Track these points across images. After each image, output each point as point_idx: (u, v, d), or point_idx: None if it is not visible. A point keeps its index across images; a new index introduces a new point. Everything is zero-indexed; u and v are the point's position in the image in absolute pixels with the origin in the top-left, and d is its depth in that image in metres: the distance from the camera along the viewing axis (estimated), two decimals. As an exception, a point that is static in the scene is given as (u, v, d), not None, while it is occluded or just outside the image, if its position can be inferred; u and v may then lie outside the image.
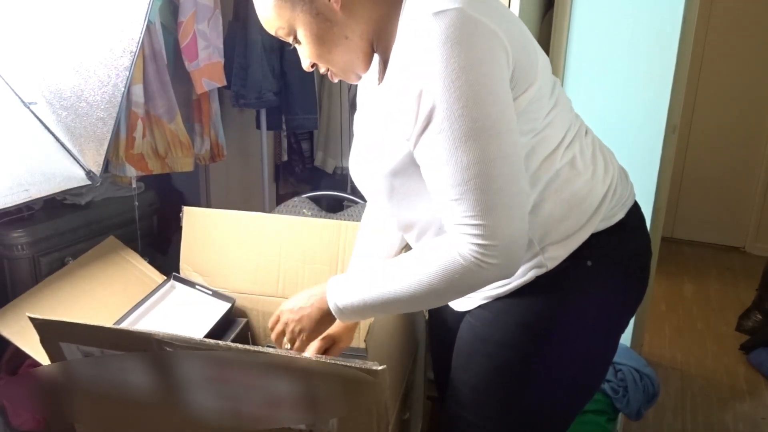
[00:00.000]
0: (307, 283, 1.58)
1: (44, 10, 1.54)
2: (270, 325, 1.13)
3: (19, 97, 1.55)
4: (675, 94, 1.91)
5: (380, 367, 0.90)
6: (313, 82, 2.52)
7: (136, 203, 2.12)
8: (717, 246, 3.91)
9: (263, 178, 2.64)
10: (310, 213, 2.01)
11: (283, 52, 2.40)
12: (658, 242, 2.23)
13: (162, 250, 2.31)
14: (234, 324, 1.61)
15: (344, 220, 1.74)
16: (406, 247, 1.24)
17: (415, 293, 0.93)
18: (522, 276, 1.01)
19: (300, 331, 1.08)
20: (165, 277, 1.67)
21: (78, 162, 1.63)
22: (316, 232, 1.58)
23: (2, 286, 1.85)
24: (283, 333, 1.10)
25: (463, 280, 0.89)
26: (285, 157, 2.85)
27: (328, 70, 1.02)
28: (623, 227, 1.05)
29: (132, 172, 2.04)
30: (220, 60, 2.21)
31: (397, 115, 0.92)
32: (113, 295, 1.61)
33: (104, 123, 1.61)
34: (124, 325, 1.50)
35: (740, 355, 2.71)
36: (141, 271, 1.71)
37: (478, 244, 0.87)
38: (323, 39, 0.96)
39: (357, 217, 1.98)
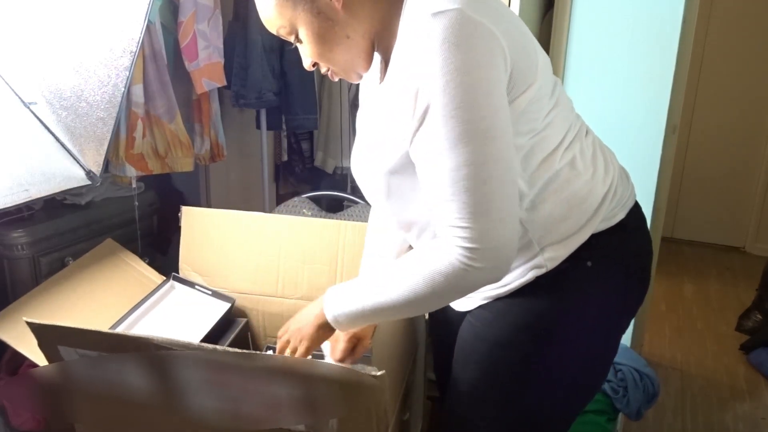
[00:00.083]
0: (306, 283, 1.58)
1: (44, 10, 1.54)
2: (278, 343, 1.14)
3: (19, 97, 1.55)
4: (675, 94, 1.91)
5: (379, 373, 0.90)
6: (313, 82, 2.52)
7: (136, 203, 2.12)
8: (717, 246, 3.91)
9: (263, 178, 2.64)
10: (310, 213, 2.01)
11: (283, 52, 2.39)
12: (658, 242, 2.23)
13: (162, 250, 2.31)
14: (234, 324, 1.61)
15: (344, 220, 1.74)
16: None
17: (408, 298, 0.93)
18: (522, 276, 1.01)
19: (301, 340, 1.08)
20: (164, 278, 1.67)
21: (78, 162, 1.63)
22: (315, 232, 1.58)
23: (2, 286, 1.85)
24: (287, 346, 1.11)
25: (451, 283, 0.89)
26: (285, 157, 2.85)
27: (328, 69, 1.02)
28: (624, 228, 1.05)
29: (132, 172, 2.04)
30: (220, 60, 2.21)
31: (397, 114, 0.92)
32: (113, 296, 1.61)
33: (104, 123, 1.61)
34: (123, 326, 1.50)
35: (740, 355, 2.71)
36: (140, 272, 1.71)
37: (465, 247, 0.87)
38: (325, 38, 0.96)
39: (357, 217, 1.98)
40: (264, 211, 2.27)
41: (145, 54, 1.96)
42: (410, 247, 1.22)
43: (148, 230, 2.22)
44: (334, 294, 1.04)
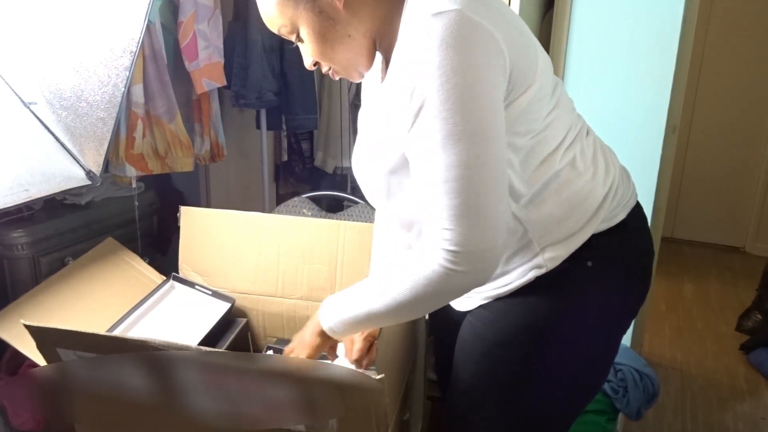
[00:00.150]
0: (306, 283, 1.58)
1: (44, 10, 1.54)
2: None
3: (19, 97, 1.55)
4: (675, 94, 1.91)
5: (379, 376, 0.91)
6: (313, 81, 2.52)
7: (136, 203, 2.12)
8: (717, 246, 3.91)
9: (263, 178, 2.64)
10: (310, 213, 2.01)
11: (283, 52, 2.39)
12: (658, 242, 2.23)
13: (162, 250, 2.31)
14: (234, 324, 1.60)
15: (344, 220, 1.74)
16: None
17: (396, 304, 0.93)
18: (522, 276, 1.01)
19: (302, 350, 1.09)
20: (164, 278, 1.67)
21: (78, 162, 1.63)
22: (315, 231, 1.58)
23: (2, 286, 1.85)
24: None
25: (434, 287, 0.89)
26: (285, 157, 2.85)
27: (329, 68, 1.02)
28: (624, 228, 1.05)
29: (132, 172, 2.04)
30: (220, 60, 2.21)
31: (397, 113, 0.92)
32: (113, 296, 1.61)
33: (104, 123, 1.61)
34: (123, 326, 1.50)
35: (740, 355, 2.71)
36: (140, 272, 1.71)
37: (447, 250, 0.86)
38: (326, 37, 0.96)
39: (357, 217, 1.98)
40: (264, 211, 2.27)
41: (145, 54, 1.96)
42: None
43: (148, 230, 2.22)
44: (330, 303, 1.04)
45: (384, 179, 1.01)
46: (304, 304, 1.59)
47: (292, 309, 1.60)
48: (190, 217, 1.65)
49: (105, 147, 1.64)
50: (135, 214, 2.12)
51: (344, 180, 2.75)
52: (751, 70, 3.59)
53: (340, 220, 1.66)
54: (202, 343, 1.46)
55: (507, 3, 1.67)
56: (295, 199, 2.08)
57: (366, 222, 1.66)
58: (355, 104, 2.63)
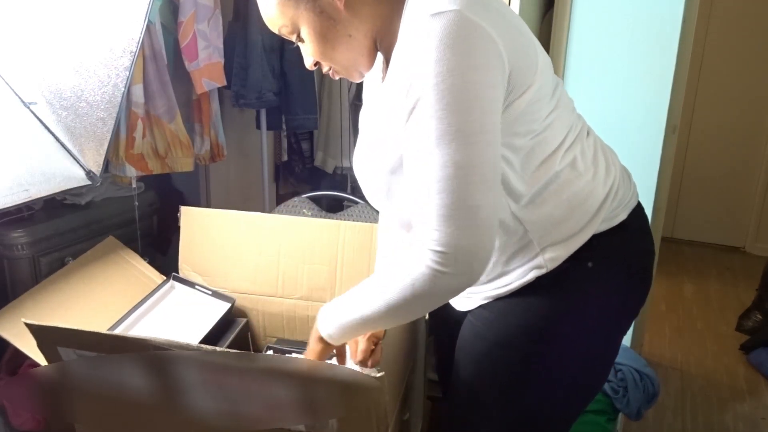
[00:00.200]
0: (306, 283, 1.58)
1: (44, 10, 1.54)
2: None
3: (19, 97, 1.55)
4: (675, 94, 1.91)
5: (379, 374, 0.90)
6: (313, 81, 2.52)
7: (136, 203, 2.12)
8: (717, 246, 3.91)
9: (263, 178, 2.64)
10: (310, 213, 2.01)
11: (283, 52, 2.39)
12: (659, 242, 2.22)
13: (162, 250, 2.31)
14: (234, 324, 1.60)
15: (344, 220, 1.74)
16: None
17: (388, 307, 0.93)
18: (523, 276, 1.01)
19: (307, 357, 1.09)
20: (164, 277, 1.67)
21: (78, 162, 1.63)
22: (315, 231, 1.58)
23: (2, 286, 1.85)
24: None
25: (423, 289, 0.89)
26: (285, 157, 2.85)
27: (330, 68, 1.02)
28: (625, 228, 1.05)
29: (132, 172, 2.04)
30: (220, 60, 2.21)
31: (397, 112, 0.92)
32: (113, 295, 1.61)
33: (104, 123, 1.61)
34: (123, 326, 1.50)
35: (740, 355, 2.71)
36: (140, 271, 1.71)
37: (435, 251, 0.86)
38: (327, 37, 0.96)
39: (357, 217, 1.98)
40: (264, 211, 2.27)
41: (145, 54, 1.96)
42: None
43: (148, 230, 2.22)
44: (326, 309, 1.04)
45: (384, 179, 1.01)
46: (304, 304, 1.59)
47: (292, 309, 1.60)
48: (190, 217, 1.65)
49: (105, 147, 1.64)
50: (135, 214, 2.12)
51: (344, 180, 2.75)
52: (751, 70, 3.59)
53: (340, 220, 1.66)
54: (202, 342, 1.46)
55: (507, 3, 1.68)
56: (295, 199, 2.08)
57: (366, 222, 1.66)
58: (355, 104, 2.63)
